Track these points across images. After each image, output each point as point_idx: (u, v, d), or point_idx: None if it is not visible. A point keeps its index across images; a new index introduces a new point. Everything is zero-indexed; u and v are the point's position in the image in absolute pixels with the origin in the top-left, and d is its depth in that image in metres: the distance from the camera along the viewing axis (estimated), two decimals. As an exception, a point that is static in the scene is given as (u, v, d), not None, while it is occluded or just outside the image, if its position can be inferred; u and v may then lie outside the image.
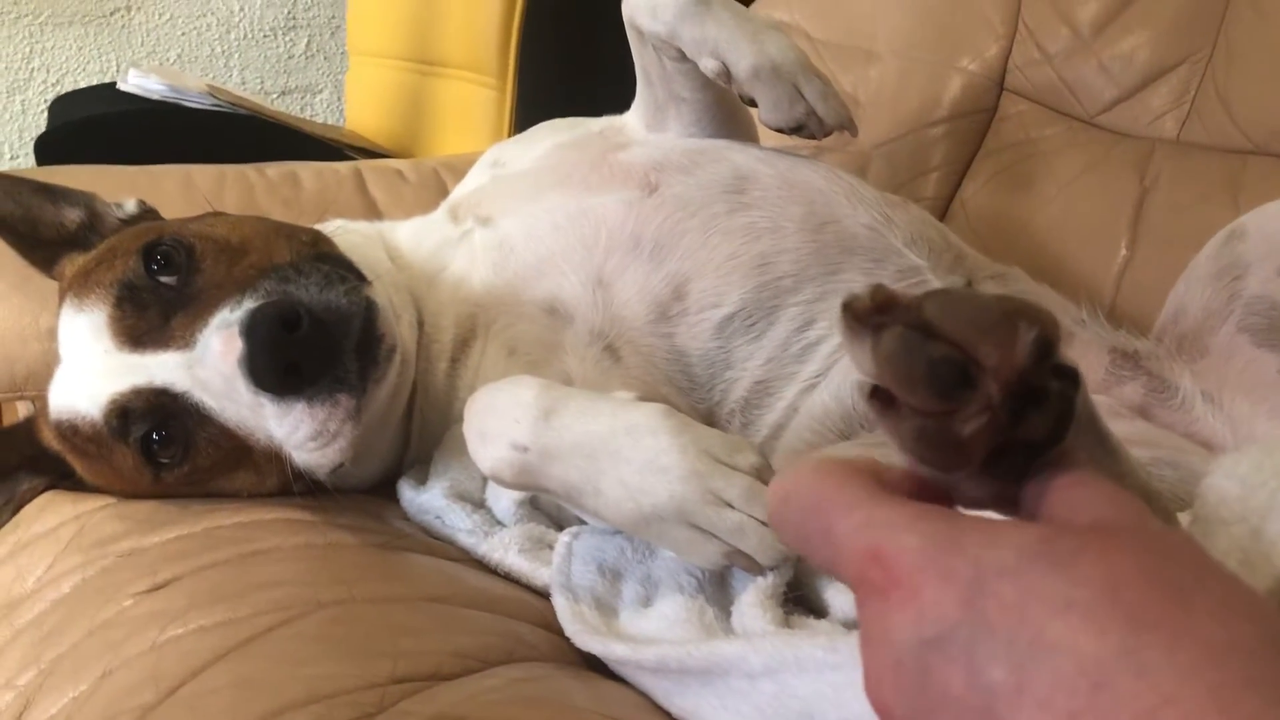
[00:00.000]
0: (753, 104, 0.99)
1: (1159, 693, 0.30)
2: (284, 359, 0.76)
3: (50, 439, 0.93)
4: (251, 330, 0.76)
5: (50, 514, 0.91)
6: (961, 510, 0.37)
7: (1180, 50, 1.24)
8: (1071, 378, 0.38)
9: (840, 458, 0.42)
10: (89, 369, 0.87)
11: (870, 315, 0.38)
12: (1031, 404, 0.37)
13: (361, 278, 0.85)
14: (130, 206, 1.04)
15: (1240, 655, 0.30)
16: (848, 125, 1.00)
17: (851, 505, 0.38)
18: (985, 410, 0.36)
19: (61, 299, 0.92)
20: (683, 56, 0.98)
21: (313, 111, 2.96)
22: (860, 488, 0.38)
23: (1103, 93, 1.29)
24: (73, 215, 1.02)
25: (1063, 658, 0.31)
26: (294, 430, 0.79)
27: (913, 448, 0.38)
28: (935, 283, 0.93)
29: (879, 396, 0.38)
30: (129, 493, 0.91)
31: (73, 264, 0.98)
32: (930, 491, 0.40)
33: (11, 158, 2.68)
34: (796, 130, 0.99)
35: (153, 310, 0.85)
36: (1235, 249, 0.92)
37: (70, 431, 0.89)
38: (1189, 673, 0.30)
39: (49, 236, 1.02)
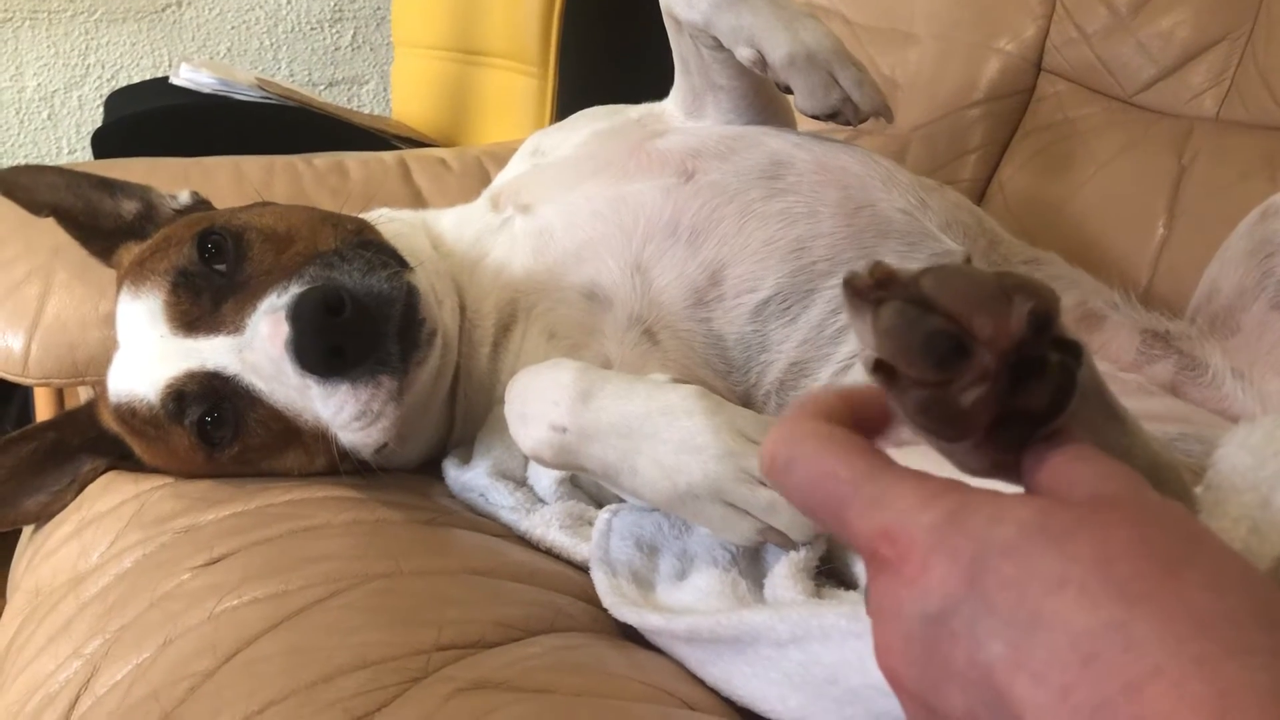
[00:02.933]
0: (789, 91, 0.99)
1: (1146, 664, 0.31)
2: (329, 342, 0.78)
3: (110, 421, 0.96)
4: (297, 314, 0.79)
5: (112, 493, 0.95)
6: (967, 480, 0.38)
7: (1220, 27, 1.23)
8: (1074, 350, 0.39)
9: (827, 402, 0.42)
10: (146, 353, 0.90)
11: (870, 290, 0.40)
12: (1032, 376, 0.38)
13: (404, 264, 0.87)
14: (184, 198, 1.08)
15: (1227, 625, 0.31)
16: (883, 112, 1.01)
17: (859, 481, 0.39)
18: (982, 380, 0.38)
19: (119, 286, 0.96)
20: (719, 45, 0.99)
21: (359, 102, 3.00)
22: (863, 458, 0.39)
23: (1141, 71, 1.28)
24: (130, 206, 1.06)
25: (1057, 633, 0.32)
26: (339, 411, 0.82)
27: (916, 419, 0.39)
28: (968, 263, 0.94)
29: (882, 370, 0.39)
30: (185, 472, 0.94)
31: (129, 253, 1.01)
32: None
33: (70, 152, 2.74)
34: (832, 117, 1.00)
35: (205, 296, 0.88)
36: (1269, 226, 0.92)
37: (129, 414, 0.92)
38: (1176, 644, 0.31)
39: (108, 227, 1.06)
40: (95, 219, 1.06)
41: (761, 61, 0.96)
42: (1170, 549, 0.33)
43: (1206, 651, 0.30)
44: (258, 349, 0.83)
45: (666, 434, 0.74)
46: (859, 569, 0.72)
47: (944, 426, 0.38)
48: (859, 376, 0.90)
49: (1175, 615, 0.31)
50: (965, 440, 0.39)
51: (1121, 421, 0.46)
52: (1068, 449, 0.39)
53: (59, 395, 1.36)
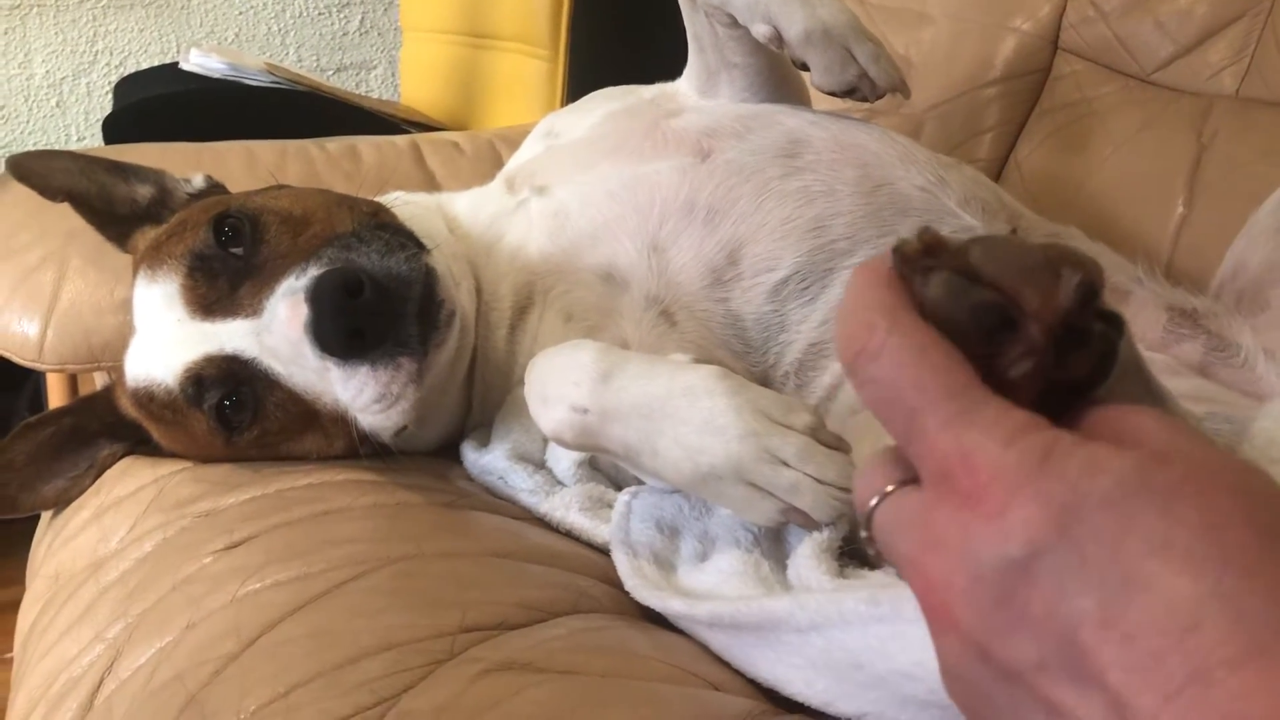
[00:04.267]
0: (805, 68, 0.99)
1: (1252, 641, 0.30)
2: (348, 324, 0.78)
3: (128, 406, 0.96)
4: (316, 296, 0.78)
5: (130, 478, 0.95)
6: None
7: (1239, 3, 1.21)
8: (1115, 322, 0.38)
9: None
10: (163, 338, 0.90)
11: (919, 258, 0.39)
12: (1075, 346, 0.37)
13: (421, 246, 0.87)
14: (198, 182, 1.08)
15: None
16: (900, 88, 1.00)
17: (950, 394, 0.37)
18: (1030, 354, 0.37)
19: (135, 271, 0.95)
20: (734, 22, 0.98)
21: (368, 87, 3.00)
22: (962, 375, 0.37)
23: (1159, 49, 1.27)
24: (144, 191, 1.06)
25: (1156, 595, 0.31)
26: (359, 393, 0.81)
27: None
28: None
29: None
30: (203, 456, 0.94)
31: (145, 237, 1.01)
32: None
33: (79, 139, 2.74)
34: (849, 93, 0.99)
35: (222, 280, 0.88)
36: (1298, 201, 0.91)
37: (146, 399, 0.92)
38: None
39: (123, 212, 1.06)
40: (110, 204, 1.06)
41: (778, 38, 0.96)
42: (1272, 522, 0.32)
43: None
44: (276, 332, 0.83)
45: (688, 414, 0.74)
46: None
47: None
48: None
49: None
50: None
51: (1161, 399, 0.46)
52: (1119, 405, 0.38)
53: (72, 381, 1.36)
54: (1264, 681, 0.29)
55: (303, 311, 0.79)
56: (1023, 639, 0.34)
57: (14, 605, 1.00)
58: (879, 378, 0.38)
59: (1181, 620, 0.31)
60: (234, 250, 0.89)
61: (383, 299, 0.79)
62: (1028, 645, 0.34)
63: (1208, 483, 0.33)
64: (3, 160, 1.16)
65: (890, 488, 0.39)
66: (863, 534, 0.41)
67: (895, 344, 0.38)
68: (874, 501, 0.40)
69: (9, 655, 0.97)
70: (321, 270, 0.80)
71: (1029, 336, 0.37)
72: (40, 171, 1.08)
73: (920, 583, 0.37)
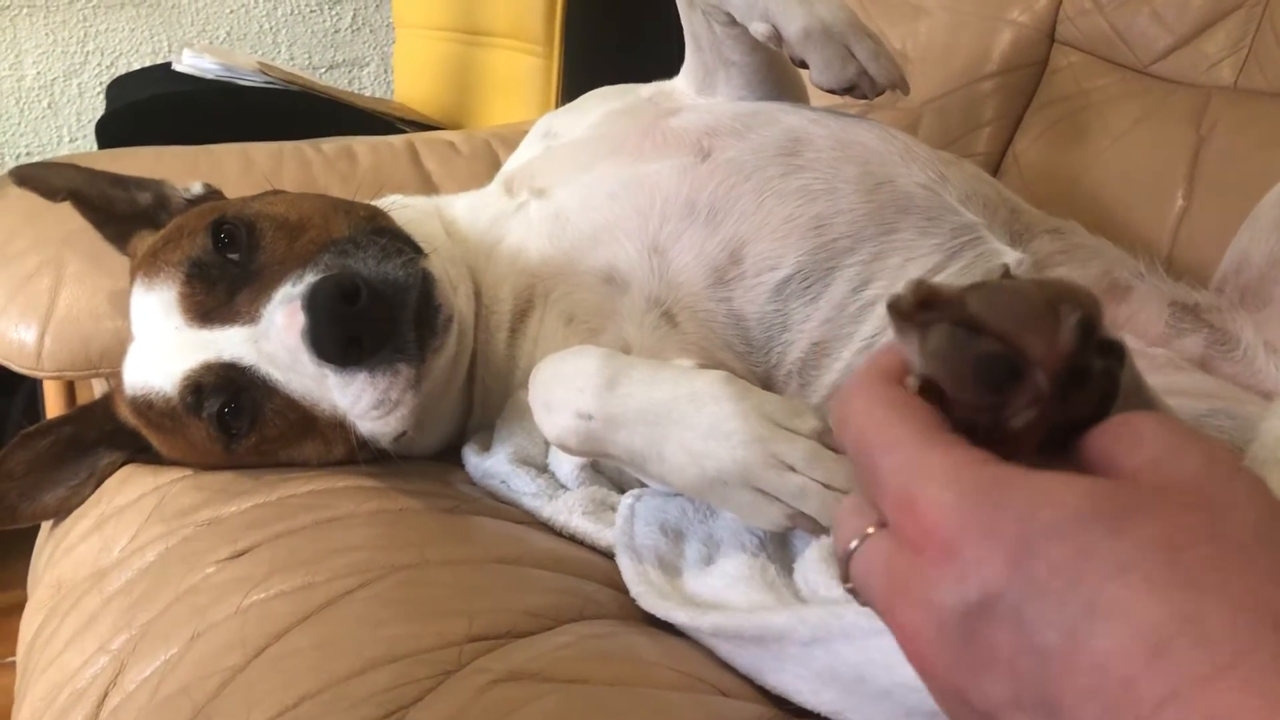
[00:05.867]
0: (803, 66, 0.98)
1: (1219, 659, 0.30)
2: (345, 331, 0.78)
3: (126, 414, 0.96)
4: (313, 303, 0.78)
5: (131, 486, 0.94)
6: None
7: (1237, -6, 1.21)
8: (1117, 353, 0.38)
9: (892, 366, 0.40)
10: (161, 345, 0.90)
11: (916, 312, 0.38)
12: (1076, 384, 0.37)
13: (418, 250, 0.86)
14: (197, 189, 1.07)
15: None
16: (900, 84, 0.99)
17: (894, 444, 0.37)
18: (1035, 402, 0.37)
19: (133, 277, 0.95)
20: (732, 21, 0.98)
21: (360, 85, 2.98)
22: (908, 423, 0.37)
23: (1156, 41, 1.27)
24: (144, 197, 1.06)
25: (1120, 622, 0.31)
26: (357, 400, 0.81)
27: (967, 438, 0.38)
28: (991, 240, 0.93)
29: (931, 390, 0.39)
30: (203, 464, 0.93)
31: (143, 241, 1.01)
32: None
33: (71, 140, 2.73)
34: (848, 91, 0.98)
35: (219, 287, 0.88)
36: (1301, 195, 0.91)
37: (145, 406, 0.92)
38: (1250, 640, 0.30)
39: (123, 211, 1.06)
40: (110, 204, 1.06)
41: (776, 36, 0.95)
42: (1243, 534, 0.32)
43: None
44: (274, 339, 0.82)
45: (694, 420, 0.73)
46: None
47: (995, 448, 0.37)
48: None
49: (1249, 608, 0.30)
50: (1014, 459, 0.37)
51: (1161, 410, 0.45)
52: (1129, 417, 0.37)
53: (69, 388, 1.35)
54: (1232, 699, 0.29)
55: (299, 319, 0.79)
56: (994, 679, 0.34)
57: (15, 609, 0.99)
58: (848, 441, 0.39)
59: (1148, 643, 0.30)
60: (231, 256, 0.88)
61: (379, 305, 0.79)
62: (1000, 685, 0.33)
63: (1171, 500, 0.33)
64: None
65: (870, 529, 0.39)
66: (845, 584, 0.41)
67: (852, 409, 0.39)
68: (853, 545, 0.39)
69: (11, 659, 0.97)
70: (318, 277, 0.80)
71: (1035, 385, 0.37)
72: (42, 177, 1.08)
73: (896, 631, 0.37)
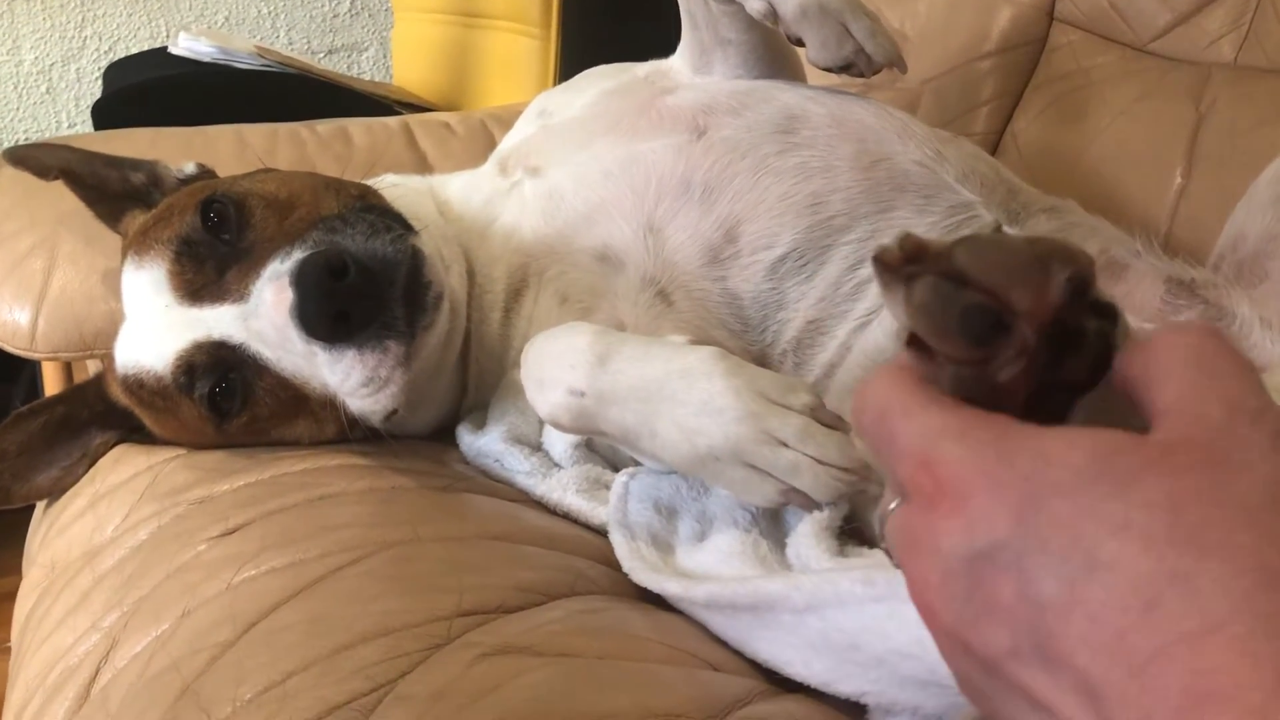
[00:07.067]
0: (800, 44, 0.98)
1: (1209, 617, 0.30)
2: (333, 307, 0.77)
3: (119, 394, 0.96)
4: (301, 279, 0.77)
5: (124, 466, 0.94)
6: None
7: (1237, -29, 1.21)
8: (1110, 315, 0.38)
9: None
10: (152, 324, 0.90)
11: (902, 265, 0.38)
12: (1070, 346, 0.37)
13: (409, 228, 0.86)
14: (190, 169, 1.07)
15: None
16: (897, 62, 0.99)
17: (910, 411, 0.38)
18: (1021, 355, 0.36)
19: (124, 255, 0.95)
20: (728, -1, 0.97)
21: (360, 69, 2.97)
22: (927, 392, 0.39)
23: (1156, 18, 1.26)
24: (137, 177, 1.06)
25: (1117, 576, 0.32)
26: (346, 377, 0.81)
27: (953, 394, 0.38)
28: (988, 218, 0.92)
29: (916, 345, 0.39)
30: (195, 443, 0.93)
31: (134, 220, 1.01)
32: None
33: (69, 125, 2.72)
34: (845, 69, 0.98)
35: (209, 265, 0.87)
36: (1297, 171, 0.90)
37: (136, 386, 0.91)
38: (1242, 599, 0.30)
39: (115, 190, 1.05)
40: (103, 183, 1.06)
41: (772, 14, 0.95)
42: (1250, 496, 0.32)
43: (1276, 608, 0.30)
44: (263, 316, 0.82)
45: (686, 396, 0.73)
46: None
47: (981, 401, 0.37)
48: (877, 333, 0.89)
49: (1246, 569, 0.31)
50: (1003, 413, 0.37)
51: None
52: (1160, 348, 0.37)
53: (67, 369, 1.35)
54: (1219, 659, 0.30)
55: (287, 295, 0.78)
56: (994, 628, 0.35)
57: (13, 595, 0.99)
58: (866, 423, 0.41)
59: (1143, 598, 0.31)
60: (222, 235, 0.88)
61: (368, 281, 0.78)
62: (1000, 633, 0.34)
63: (1176, 461, 0.33)
64: (-2, 148, 1.16)
65: (896, 501, 0.41)
66: (883, 546, 0.42)
67: (872, 389, 0.40)
68: (890, 506, 0.41)
69: (8, 645, 0.97)
70: (306, 253, 0.79)
71: (1021, 337, 0.36)
72: (36, 157, 1.08)
73: (909, 585, 0.39)
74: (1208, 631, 0.30)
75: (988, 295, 0.36)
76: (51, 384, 1.37)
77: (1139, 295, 0.93)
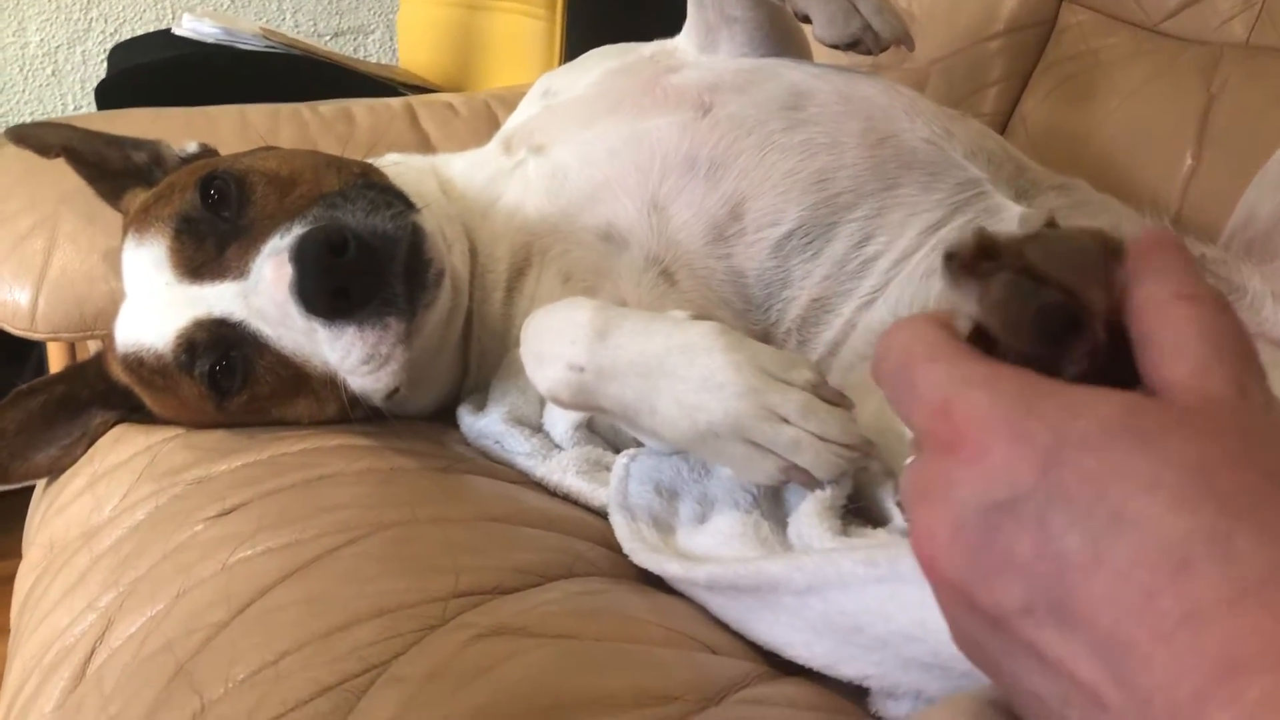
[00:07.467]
0: (806, 20, 0.97)
1: (1244, 581, 0.29)
2: (332, 283, 0.77)
3: (119, 373, 0.95)
4: (300, 255, 0.77)
5: (123, 446, 0.93)
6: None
7: (1250, -51, 1.19)
8: None
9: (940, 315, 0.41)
10: (152, 302, 0.89)
11: (976, 262, 0.38)
12: (1125, 344, 0.37)
13: (410, 205, 0.85)
14: (192, 148, 1.07)
15: None
16: (904, 39, 0.98)
17: (934, 357, 0.38)
18: (1090, 354, 0.37)
19: (125, 233, 0.94)
20: (734, -26, 0.96)
21: (366, 52, 2.96)
22: (953, 342, 0.38)
23: (1167, -2, 1.25)
24: (139, 156, 1.05)
25: (1146, 534, 0.31)
26: (346, 354, 0.80)
27: None
28: (995, 195, 0.91)
29: (981, 338, 0.39)
30: (195, 422, 0.93)
31: (135, 198, 1.00)
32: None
33: (75, 107, 2.71)
34: (852, 46, 0.97)
35: (209, 242, 0.87)
36: (1309, 151, 0.89)
37: (136, 364, 0.91)
38: (1277, 565, 0.29)
39: (116, 168, 1.05)
40: (104, 161, 1.05)
41: (779, -11, 0.93)
42: (1276, 469, 0.31)
43: None
44: (262, 293, 0.81)
45: (686, 372, 0.72)
46: (890, 505, 0.70)
47: None
48: (882, 312, 0.88)
49: (1278, 535, 0.30)
50: None
51: None
52: (1160, 329, 0.36)
53: (71, 350, 1.35)
54: (1255, 624, 0.29)
55: (287, 271, 0.78)
56: (1008, 582, 0.33)
57: (13, 579, 0.99)
58: (888, 370, 0.40)
59: (1173, 558, 0.30)
60: (222, 213, 0.87)
61: (368, 257, 0.78)
62: (1013, 588, 0.33)
63: (1207, 425, 0.33)
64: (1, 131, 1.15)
65: (912, 457, 0.40)
66: (897, 499, 0.41)
67: (896, 336, 0.40)
68: (908, 462, 0.40)
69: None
70: (306, 229, 0.79)
71: (1094, 336, 0.37)
72: (38, 135, 1.07)
73: (912, 535, 0.37)
74: (1241, 595, 0.29)
75: (1065, 293, 0.37)
76: (57, 364, 1.37)
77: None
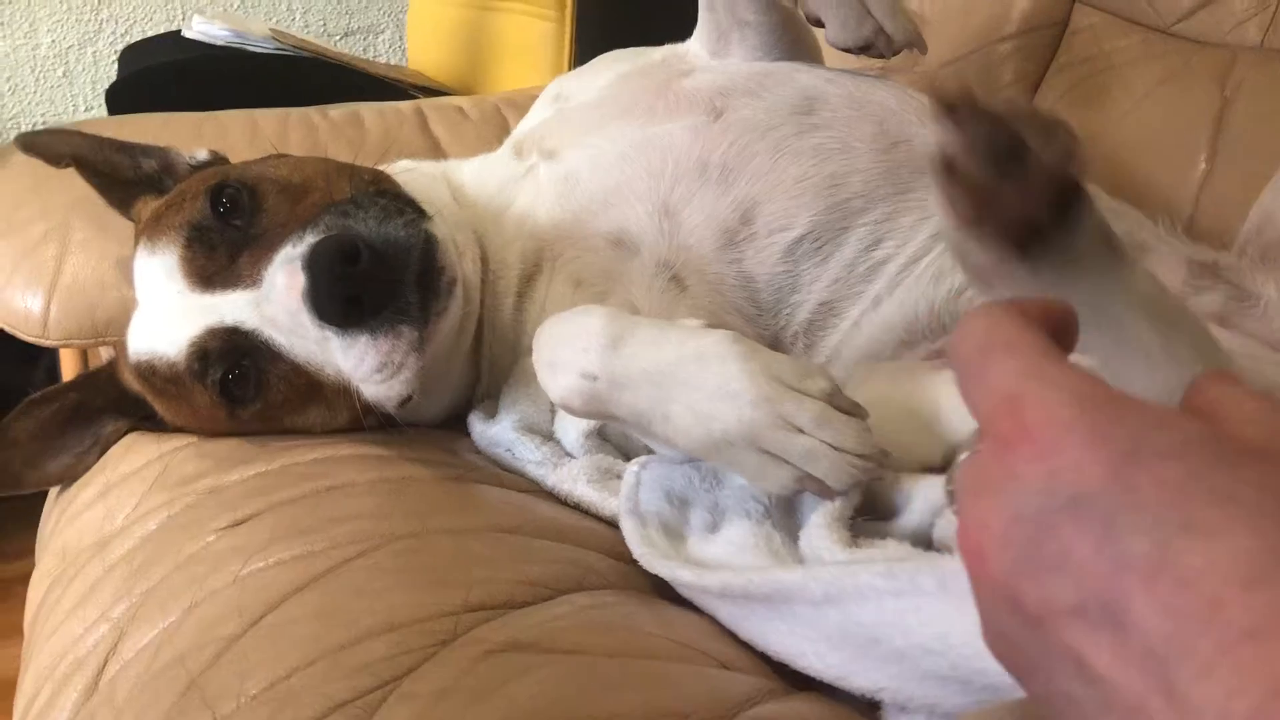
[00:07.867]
0: (819, 24, 0.97)
1: None
2: (345, 291, 0.77)
3: (131, 381, 0.95)
4: (313, 264, 0.77)
5: (135, 454, 0.93)
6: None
7: (1265, -49, 1.18)
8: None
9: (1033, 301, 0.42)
10: (164, 311, 0.89)
11: (956, 98, 0.47)
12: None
13: (422, 212, 0.85)
14: (202, 155, 1.07)
15: None
16: (916, 43, 0.97)
17: (1015, 348, 0.38)
18: (1024, 194, 0.48)
19: (137, 242, 0.94)
20: (746, -23, 0.96)
21: (375, 52, 2.96)
22: (1036, 337, 0.38)
23: (1180, 0, 1.24)
24: (149, 164, 1.05)
25: (1218, 545, 0.30)
26: (360, 363, 0.80)
27: (957, 208, 0.49)
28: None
29: (943, 167, 0.48)
30: (207, 430, 0.93)
31: (146, 206, 1.00)
32: None
33: (86, 109, 2.72)
34: (864, 49, 0.97)
35: (221, 250, 0.87)
36: (1325, 156, 0.89)
37: (149, 372, 0.91)
38: None
39: (126, 176, 1.05)
40: (114, 169, 1.05)
41: (791, -7, 0.93)
42: None
43: None
44: (275, 301, 0.81)
45: (700, 380, 0.72)
46: (902, 518, 0.69)
47: (976, 213, 0.48)
48: (888, 313, 0.88)
49: None
50: (986, 226, 0.49)
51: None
52: (1237, 384, 0.37)
53: (83, 357, 1.35)
54: None
55: (300, 280, 0.78)
56: (1060, 582, 0.33)
57: (24, 579, 0.99)
58: (963, 351, 0.40)
59: (1243, 572, 0.29)
60: (233, 221, 0.87)
61: (381, 266, 0.78)
62: (1065, 588, 0.33)
63: (1276, 459, 0.33)
64: (12, 134, 1.15)
65: (967, 452, 0.40)
66: (949, 489, 0.44)
67: (979, 319, 0.40)
68: (962, 457, 0.40)
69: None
70: (318, 237, 0.79)
71: (1035, 176, 0.47)
72: (47, 143, 1.07)
73: (961, 529, 0.37)
74: None
75: (1015, 137, 0.47)
76: (69, 371, 1.38)
77: (1161, 277, 0.91)
